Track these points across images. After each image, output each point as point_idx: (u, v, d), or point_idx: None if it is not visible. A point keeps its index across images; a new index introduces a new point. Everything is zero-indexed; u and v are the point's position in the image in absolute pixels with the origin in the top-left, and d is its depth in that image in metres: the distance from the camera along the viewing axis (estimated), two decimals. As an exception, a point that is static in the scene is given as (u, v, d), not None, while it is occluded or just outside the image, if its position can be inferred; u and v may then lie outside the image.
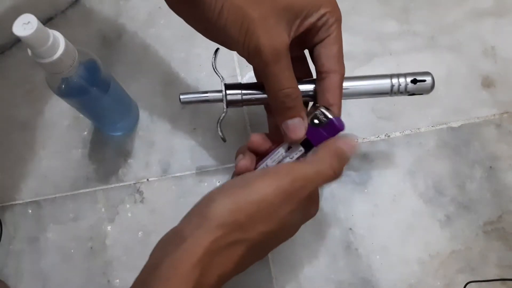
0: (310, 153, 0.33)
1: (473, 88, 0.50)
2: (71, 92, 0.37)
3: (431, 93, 0.49)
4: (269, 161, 0.35)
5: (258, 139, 0.36)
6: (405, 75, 0.34)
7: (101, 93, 0.39)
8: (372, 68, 0.50)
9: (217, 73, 0.38)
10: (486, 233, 0.44)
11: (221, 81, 0.37)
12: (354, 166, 0.47)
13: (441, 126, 0.48)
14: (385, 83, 0.35)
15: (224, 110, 0.37)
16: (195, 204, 0.31)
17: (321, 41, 0.33)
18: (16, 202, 0.46)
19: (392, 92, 0.35)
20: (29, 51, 0.32)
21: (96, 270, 0.44)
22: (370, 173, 0.46)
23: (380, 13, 0.52)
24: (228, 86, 0.37)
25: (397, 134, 0.48)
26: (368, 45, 0.50)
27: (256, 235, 0.29)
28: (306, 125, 0.33)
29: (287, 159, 0.34)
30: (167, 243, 0.29)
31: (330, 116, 0.33)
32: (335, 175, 0.31)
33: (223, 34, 0.31)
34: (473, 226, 0.45)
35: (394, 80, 0.34)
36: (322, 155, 0.32)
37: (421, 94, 0.35)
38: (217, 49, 0.38)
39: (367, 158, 0.47)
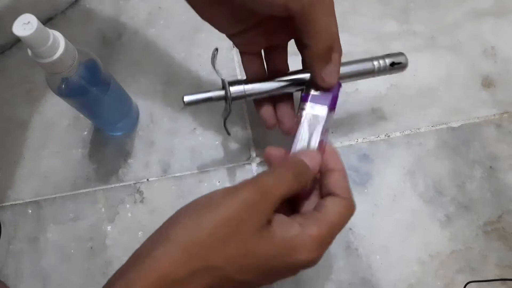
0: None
1: (473, 88, 0.50)
2: (71, 92, 0.37)
3: (431, 93, 0.49)
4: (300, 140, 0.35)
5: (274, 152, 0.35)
6: (383, 57, 0.39)
7: (101, 93, 0.39)
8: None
9: (216, 72, 0.39)
10: (486, 233, 0.44)
11: (224, 79, 0.38)
12: (354, 166, 0.47)
13: (441, 126, 0.48)
14: (368, 64, 0.39)
15: (229, 107, 0.38)
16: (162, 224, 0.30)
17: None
18: (16, 202, 0.46)
19: (374, 72, 0.39)
20: (29, 51, 0.32)
21: (96, 270, 0.44)
22: (370, 173, 0.46)
23: (380, 13, 0.52)
24: (230, 83, 0.38)
25: (397, 134, 0.48)
26: (368, 45, 0.50)
27: (223, 261, 0.26)
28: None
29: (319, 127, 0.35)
30: (126, 264, 0.28)
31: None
32: (298, 183, 0.30)
33: None
34: (473, 226, 0.45)
35: (376, 62, 0.39)
36: (280, 165, 0.31)
37: (399, 71, 0.40)
38: (216, 48, 0.39)
39: (367, 158, 0.47)
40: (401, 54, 0.40)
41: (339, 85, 0.36)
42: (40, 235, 0.45)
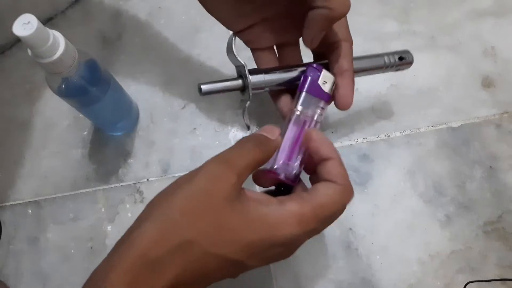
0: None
1: (473, 88, 0.50)
2: (71, 92, 0.37)
3: (431, 93, 0.49)
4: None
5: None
6: (393, 53, 0.41)
7: (101, 93, 0.39)
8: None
9: (235, 58, 0.37)
10: (486, 233, 0.44)
11: (244, 66, 0.36)
12: (354, 166, 0.47)
13: (441, 126, 0.48)
14: (380, 59, 0.41)
15: (248, 96, 0.37)
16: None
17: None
18: (16, 202, 0.46)
19: (384, 67, 0.41)
20: (29, 51, 0.32)
21: (96, 270, 0.44)
22: (370, 173, 0.46)
23: (380, 13, 0.52)
24: (250, 72, 0.37)
25: (397, 134, 0.48)
26: (368, 45, 0.50)
27: (197, 235, 0.27)
28: None
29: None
30: (110, 252, 0.28)
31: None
32: (260, 152, 0.31)
33: None
34: (473, 226, 0.45)
35: (386, 58, 0.41)
36: (240, 140, 0.32)
37: (406, 68, 0.43)
38: (233, 33, 0.38)
39: (367, 158, 0.47)
40: (407, 51, 0.42)
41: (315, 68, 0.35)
42: (40, 235, 0.45)
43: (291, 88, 0.38)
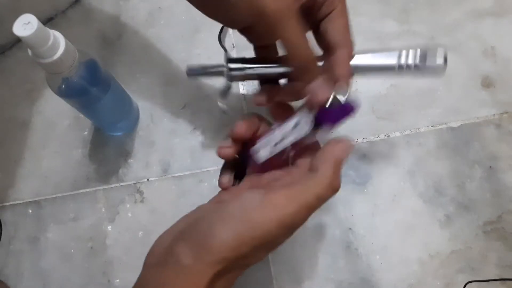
0: (310, 163, 0.32)
1: (473, 88, 0.50)
2: (71, 92, 0.37)
3: (431, 93, 0.49)
4: (276, 135, 0.33)
5: (242, 129, 0.35)
6: (415, 49, 0.32)
7: (101, 93, 0.39)
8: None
9: (222, 47, 0.37)
10: (486, 233, 0.44)
11: (225, 54, 0.37)
12: (354, 166, 0.47)
13: (441, 126, 0.48)
14: (392, 58, 0.33)
15: (228, 83, 0.37)
16: (187, 222, 0.31)
17: (326, 16, 0.33)
18: (16, 202, 0.46)
19: (399, 67, 0.32)
20: (29, 51, 0.32)
21: (96, 270, 0.44)
22: (370, 173, 0.46)
23: (380, 13, 0.52)
24: (232, 60, 0.37)
25: (397, 134, 0.48)
26: (368, 45, 0.50)
27: (256, 260, 0.30)
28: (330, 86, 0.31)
29: (292, 136, 0.33)
30: (162, 266, 0.29)
31: (343, 97, 0.31)
32: (335, 193, 0.30)
33: (226, 4, 0.31)
34: (473, 226, 0.45)
35: (403, 56, 0.32)
36: (322, 174, 0.30)
37: (433, 75, 0.32)
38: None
39: (367, 158, 0.47)
40: (436, 48, 0.32)
41: (351, 108, 0.31)
42: (41, 235, 0.45)
43: (272, 80, 0.37)
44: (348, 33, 0.33)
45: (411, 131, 0.48)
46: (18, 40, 0.45)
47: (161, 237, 0.31)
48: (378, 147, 0.47)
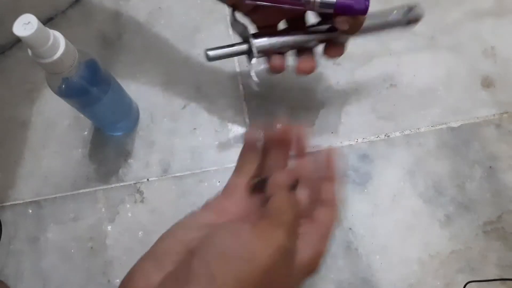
0: None
1: (473, 88, 0.50)
2: (71, 92, 0.37)
3: (431, 93, 0.49)
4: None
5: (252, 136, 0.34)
6: (401, 6, 0.39)
7: (101, 93, 0.39)
8: (372, 68, 0.50)
9: (240, 25, 0.38)
10: (486, 233, 0.44)
11: (245, 30, 0.37)
12: (354, 166, 0.47)
13: (441, 126, 0.48)
14: (386, 12, 0.39)
15: (255, 58, 0.38)
16: (196, 248, 0.27)
17: None
18: (16, 202, 0.46)
19: (390, 20, 0.39)
20: (29, 51, 0.32)
21: (96, 270, 0.44)
22: (370, 173, 0.46)
23: (380, 13, 0.52)
24: (254, 35, 0.38)
25: (397, 134, 0.48)
26: (368, 46, 0.50)
27: None
28: None
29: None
30: None
31: None
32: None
33: None
34: (473, 226, 0.45)
35: (394, 11, 0.39)
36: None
37: (414, 23, 0.40)
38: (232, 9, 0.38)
39: (367, 158, 0.47)
40: (415, 5, 0.40)
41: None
42: (41, 235, 0.45)
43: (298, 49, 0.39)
44: None
45: (411, 131, 0.48)
46: (18, 40, 0.45)
47: (139, 265, 0.28)
48: (378, 147, 0.47)
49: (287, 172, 0.31)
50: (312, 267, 0.29)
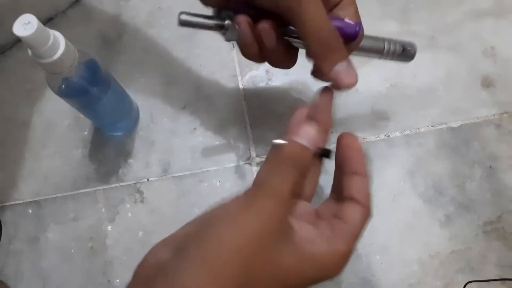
0: None
1: (473, 88, 0.50)
2: (71, 92, 0.37)
3: (431, 93, 0.49)
4: None
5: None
6: (395, 41, 0.39)
7: (101, 93, 0.39)
8: (372, 68, 0.50)
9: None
10: (486, 233, 0.44)
11: (225, 12, 0.35)
12: (354, 166, 0.47)
13: (441, 126, 0.48)
14: (380, 43, 0.38)
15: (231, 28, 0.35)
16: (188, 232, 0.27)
17: (337, 4, 0.33)
18: (16, 202, 0.46)
19: (384, 53, 0.38)
20: (29, 51, 0.32)
21: (96, 270, 0.44)
22: (370, 173, 0.46)
23: (380, 14, 0.52)
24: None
25: (397, 134, 0.48)
26: (368, 45, 0.50)
27: (250, 280, 0.25)
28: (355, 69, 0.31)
29: None
30: (152, 281, 0.25)
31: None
32: (300, 173, 0.29)
33: None
34: (473, 226, 0.45)
35: (387, 43, 0.38)
36: (277, 160, 0.29)
37: (406, 61, 0.40)
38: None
39: (367, 158, 0.47)
40: (412, 44, 0.40)
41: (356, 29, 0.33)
42: (41, 235, 0.45)
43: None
44: (359, 19, 0.34)
45: (411, 131, 0.48)
46: (18, 40, 0.46)
47: (157, 246, 0.28)
48: (378, 147, 0.47)
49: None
50: (331, 268, 0.28)
